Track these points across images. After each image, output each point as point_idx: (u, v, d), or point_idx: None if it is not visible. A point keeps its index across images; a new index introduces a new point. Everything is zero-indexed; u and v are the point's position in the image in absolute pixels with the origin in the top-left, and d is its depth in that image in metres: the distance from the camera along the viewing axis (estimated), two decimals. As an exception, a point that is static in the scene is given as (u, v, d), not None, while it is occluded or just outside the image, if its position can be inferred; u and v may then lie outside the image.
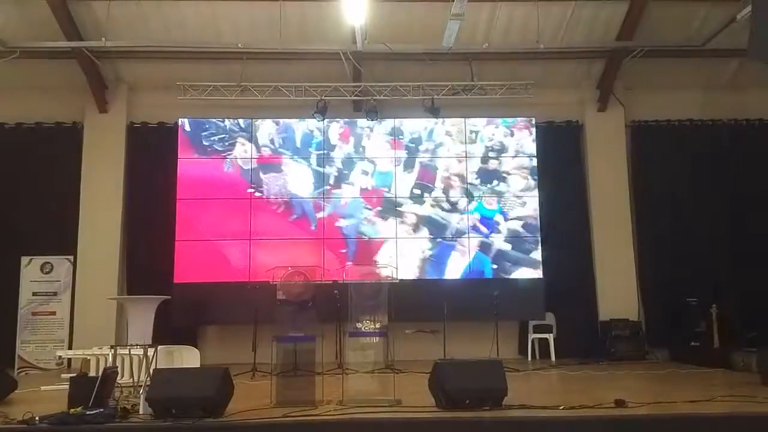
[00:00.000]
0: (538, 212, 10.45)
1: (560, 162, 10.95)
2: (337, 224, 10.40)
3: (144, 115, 10.86)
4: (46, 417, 4.80)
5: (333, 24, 9.53)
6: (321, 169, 10.49)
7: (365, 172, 10.54)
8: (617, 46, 10.30)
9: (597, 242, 10.78)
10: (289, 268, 7.28)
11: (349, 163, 10.55)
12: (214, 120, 10.54)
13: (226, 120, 10.55)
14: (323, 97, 10.14)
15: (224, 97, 10.18)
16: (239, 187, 10.39)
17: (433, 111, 10.16)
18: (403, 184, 10.53)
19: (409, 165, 10.59)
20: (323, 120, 10.31)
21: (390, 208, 10.44)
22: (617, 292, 10.55)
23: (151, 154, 10.70)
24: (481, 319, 9.34)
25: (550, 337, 10.01)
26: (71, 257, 10.27)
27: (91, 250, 10.31)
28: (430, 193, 10.53)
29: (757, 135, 11.06)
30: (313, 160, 10.54)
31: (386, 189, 10.50)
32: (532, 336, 10.17)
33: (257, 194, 10.40)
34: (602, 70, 10.92)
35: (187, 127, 10.48)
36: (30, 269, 10.17)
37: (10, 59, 9.54)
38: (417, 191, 10.51)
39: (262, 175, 10.46)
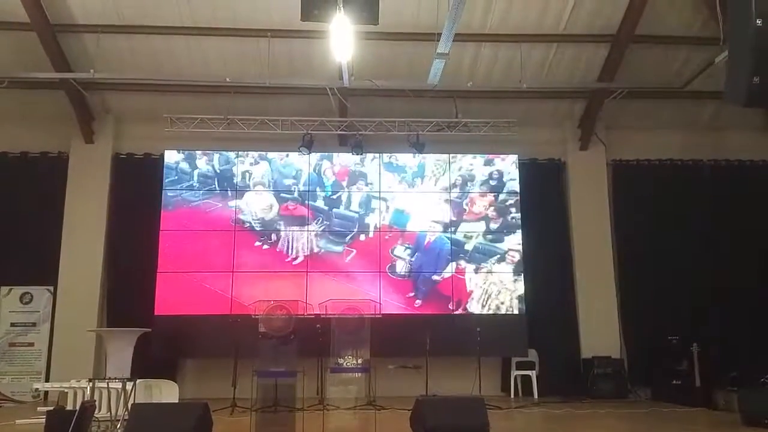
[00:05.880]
0: (521, 249, 10.52)
1: (543, 199, 11.07)
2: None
3: (130, 146, 10.89)
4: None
5: (320, 60, 9.65)
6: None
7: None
8: (599, 87, 10.49)
9: (579, 279, 10.85)
10: (272, 302, 7.25)
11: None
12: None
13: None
14: (309, 131, 10.21)
15: (211, 129, 10.23)
16: (224, 221, 10.38)
17: (418, 147, 10.26)
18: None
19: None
20: (309, 154, 10.37)
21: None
22: (599, 330, 10.59)
23: (136, 185, 10.68)
24: (463, 354, 9.32)
25: (533, 374, 10.02)
26: (51, 288, 10.16)
27: (72, 281, 10.20)
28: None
29: (736, 175, 11.29)
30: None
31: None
32: (514, 373, 10.14)
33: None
34: (584, 109, 11.12)
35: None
36: (9, 299, 10.05)
37: (-2, 89, 9.57)
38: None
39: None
